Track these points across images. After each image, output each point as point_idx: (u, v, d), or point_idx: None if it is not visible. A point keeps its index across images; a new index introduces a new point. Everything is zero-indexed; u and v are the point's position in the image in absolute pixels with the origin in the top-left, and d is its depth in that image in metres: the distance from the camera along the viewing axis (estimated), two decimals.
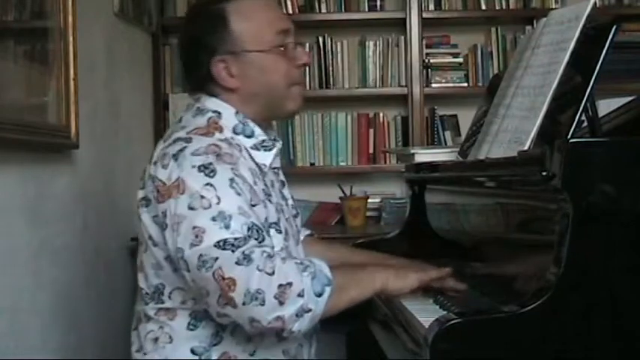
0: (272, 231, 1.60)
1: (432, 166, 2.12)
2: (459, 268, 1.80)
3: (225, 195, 1.48)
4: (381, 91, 3.60)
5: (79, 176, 2.49)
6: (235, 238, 1.45)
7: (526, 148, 1.51)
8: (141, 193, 1.60)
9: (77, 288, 2.44)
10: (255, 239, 1.47)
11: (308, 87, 3.56)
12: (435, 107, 3.64)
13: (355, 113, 3.63)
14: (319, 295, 1.47)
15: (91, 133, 2.57)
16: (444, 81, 3.60)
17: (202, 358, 1.58)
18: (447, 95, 3.64)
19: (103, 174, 2.74)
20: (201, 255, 1.45)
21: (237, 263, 1.44)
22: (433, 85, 3.58)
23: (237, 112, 1.64)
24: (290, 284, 1.45)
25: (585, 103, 1.41)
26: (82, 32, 2.38)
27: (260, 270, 1.44)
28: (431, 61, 3.58)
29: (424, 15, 3.51)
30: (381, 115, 3.64)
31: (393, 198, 3.56)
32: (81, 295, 2.47)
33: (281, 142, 1.71)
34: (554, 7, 3.52)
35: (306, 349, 1.68)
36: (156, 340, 1.61)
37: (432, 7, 3.57)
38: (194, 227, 1.46)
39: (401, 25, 3.55)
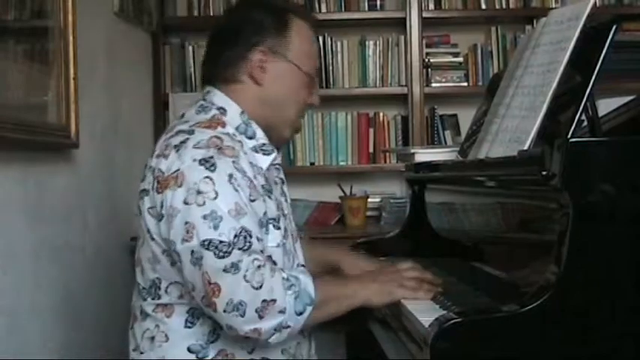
0: (270, 227, 1.60)
1: (432, 166, 2.12)
2: (459, 268, 1.80)
3: (222, 191, 1.49)
4: (381, 90, 3.60)
5: (79, 176, 2.49)
6: (220, 241, 1.46)
7: (526, 147, 1.51)
8: (141, 186, 1.61)
9: (77, 288, 2.44)
10: (240, 248, 1.47)
11: None
12: (435, 107, 3.64)
13: (355, 113, 3.63)
14: (300, 313, 1.50)
15: (91, 133, 2.57)
16: (444, 81, 3.60)
17: (199, 356, 1.58)
18: (447, 95, 3.64)
19: (103, 174, 2.74)
20: (192, 252, 1.48)
21: (224, 271, 1.46)
22: (433, 84, 3.58)
23: (242, 112, 1.66)
24: (274, 301, 1.47)
25: (585, 103, 1.41)
26: (82, 32, 2.38)
27: (247, 281, 1.45)
28: (431, 60, 3.58)
29: (424, 15, 3.51)
30: (381, 114, 3.64)
31: (393, 198, 3.55)
32: (81, 294, 2.47)
33: (280, 154, 1.72)
34: (554, 6, 3.52)
35: (305, 348, 1.69)
36: (152, 339, 1.61)
37: (432, 6, 3.57)
38: (186, 222, 1.48)
39: (401, 24, 3.55)
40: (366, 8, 3.60)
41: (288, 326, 1.49)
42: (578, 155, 1.30)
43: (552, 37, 1.61)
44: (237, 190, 1.51)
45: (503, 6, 3.58)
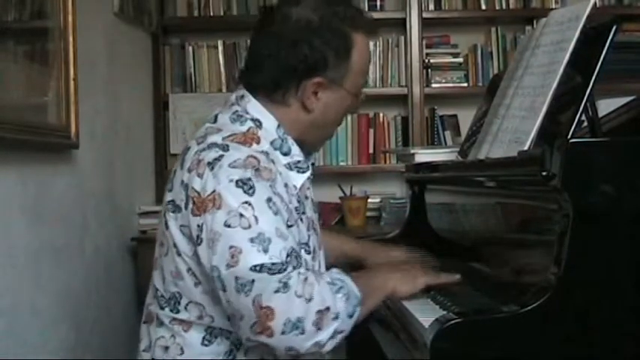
0: (302, 252, 1.53)
1: (432, 166, 2.12)
2: (459, 268, 1.80)
3: (263, 215, 1.42)
4: (381, 91, 3.60)
5: (79, 176, 2.49)
6: (273, 264, 1.40)
7: (526, 148, 1.51)
8: (168, 196, 1.52)
9: (77, 288, 2.44)
10: (294, 266, 1.42)
11: None
12: (435, 107, 3.64)
13: (355, 113, 3.63)
14: (351, 316, 1.46)
15: (91, 133, 2.58)
16: (444, 81, 3.60)
17: None
18: (447, 95, 3.64)
19: (103, 174, 2.74)
20: (237, 277, 1.40)
21: (275, 291, 1.39)
22: (433, 85, 3.59)
23: (278, 126, 1.56)
24: (328, 309, 1.42)
25: (585, 103, 1.41)
26: (82, 32, 2.38)
27: (299, 296, 1.40)
28: (431, 61, 3.58)
29: (424, 15, 3.51)
30: (381, 115, 3.64)
31: (393, 198, 3.55)
32: (81, 295, 2.47)
33: (312, 169, 1.63)
34: (554, 7, 3.52)
35: None
36: (166, 348, 1.54)
37: (432, 7, 3.57)
38: (230, 247, 1.40)
39: (401, 25, 3.55)
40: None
41: (342, 331, 1.44)
42: (578, 155, 1.30)
43: (552, 37, 1.61)
44: (276, 214, 1.44)
45: (503, 6, 3.58)
